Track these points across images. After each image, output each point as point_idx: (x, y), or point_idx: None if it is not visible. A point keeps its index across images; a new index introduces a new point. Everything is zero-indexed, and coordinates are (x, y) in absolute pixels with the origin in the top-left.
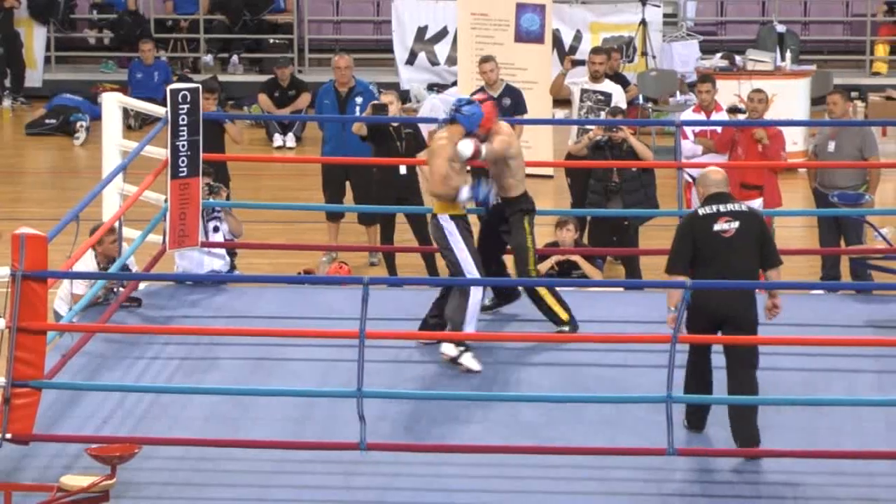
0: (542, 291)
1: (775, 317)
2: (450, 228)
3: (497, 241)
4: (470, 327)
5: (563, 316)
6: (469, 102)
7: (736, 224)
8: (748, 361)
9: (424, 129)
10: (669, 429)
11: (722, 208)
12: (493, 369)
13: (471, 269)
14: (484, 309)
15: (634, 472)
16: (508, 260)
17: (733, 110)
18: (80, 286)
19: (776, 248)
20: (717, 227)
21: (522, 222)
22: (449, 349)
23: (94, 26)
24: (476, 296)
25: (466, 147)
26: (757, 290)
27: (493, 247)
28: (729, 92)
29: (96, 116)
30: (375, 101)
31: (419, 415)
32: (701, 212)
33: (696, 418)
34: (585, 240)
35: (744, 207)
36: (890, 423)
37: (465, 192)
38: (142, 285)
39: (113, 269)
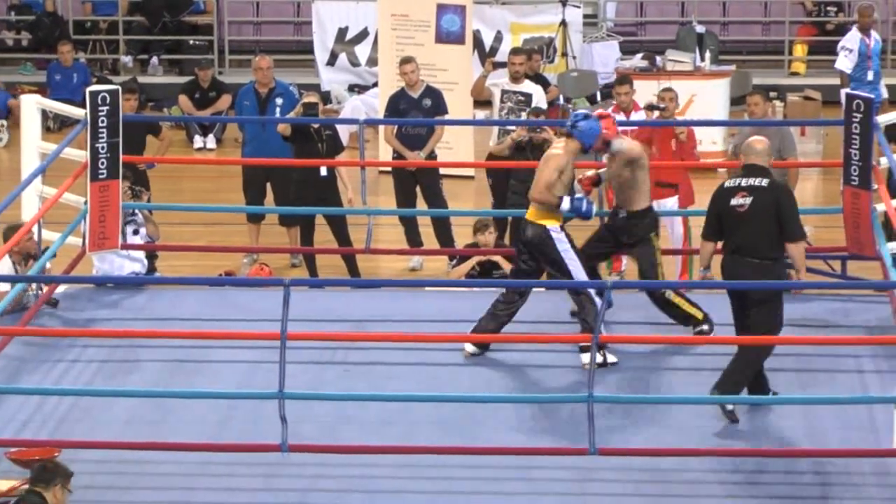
0: (673, 298)
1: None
2: (560, 237)
3: (602, 251)
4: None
5: (699, 315)
6: (586, 117)
7: (749, 200)
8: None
9: (344, 130)
10: (591, 428)
11: (743, 182)
12: (417, 370)
13: (581, 277)
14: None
15: (557, 472)
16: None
17: (650, 108)
18: None
19: (796, 222)
20: (733, 201)
21: (651, 241)
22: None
23: (11, 28)
24: (593, 293)
25: (620, 143)
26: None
27: (596, 256)
28: (649, 92)
29: None
30: (306, 101)
31: (341, 416)
32: (727, 183)
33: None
34: (507, 241)
35: (763, 182)
36: (808, 421)
37: (566, 203)
38: (61, 288)
39: (32, 272)
